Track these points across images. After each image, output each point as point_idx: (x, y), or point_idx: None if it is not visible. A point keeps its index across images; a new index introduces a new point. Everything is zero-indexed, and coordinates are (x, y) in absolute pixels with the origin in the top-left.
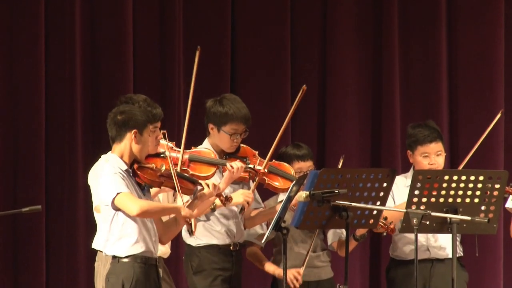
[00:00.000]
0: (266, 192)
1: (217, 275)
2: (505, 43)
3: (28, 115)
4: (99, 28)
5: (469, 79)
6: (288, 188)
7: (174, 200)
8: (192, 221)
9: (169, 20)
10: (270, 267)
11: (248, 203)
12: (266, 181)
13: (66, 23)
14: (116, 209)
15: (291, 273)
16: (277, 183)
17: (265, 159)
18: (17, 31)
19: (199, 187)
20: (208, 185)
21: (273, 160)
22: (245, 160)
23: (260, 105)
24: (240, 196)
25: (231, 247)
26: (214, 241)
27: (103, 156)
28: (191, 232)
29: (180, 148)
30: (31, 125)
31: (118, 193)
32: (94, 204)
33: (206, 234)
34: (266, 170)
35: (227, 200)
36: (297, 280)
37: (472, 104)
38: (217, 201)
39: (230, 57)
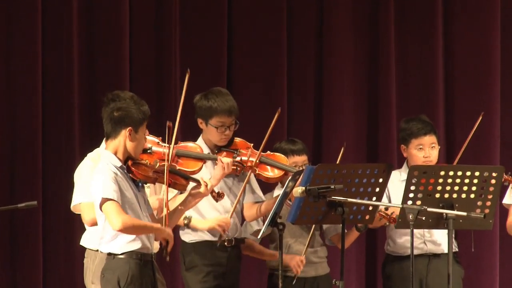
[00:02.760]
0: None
1: (209, 271)
2: (501, 38)
3: (25, 111)
4: (96, 24)
5: (465, 74)
6: (281, 178)
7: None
8: (169, 243)
9: (165, 17)
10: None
11: (224, 230)
12: (257, 171)
13: (63, 19)
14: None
15: (295, 260)
16: (270, 173)
17: (258, 151)
18: (14, 28)
19: (191, 183)
20: (206, 185)
21: (268, 152)
22: (235, 152)
23: (257, 100)
24: (214, 221)
25: (226, 243)
26: (207, 237)
27: (89, 155)
28: (165, 253)
29: (166, 143)
30: (28, 121)
31: (105, 200)
32: (73, 203)
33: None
34: (257, 161)
35: (219, 196)
36: (299, 266)
37: (468, 99)
38: (193, 221)
39: (226, 53)
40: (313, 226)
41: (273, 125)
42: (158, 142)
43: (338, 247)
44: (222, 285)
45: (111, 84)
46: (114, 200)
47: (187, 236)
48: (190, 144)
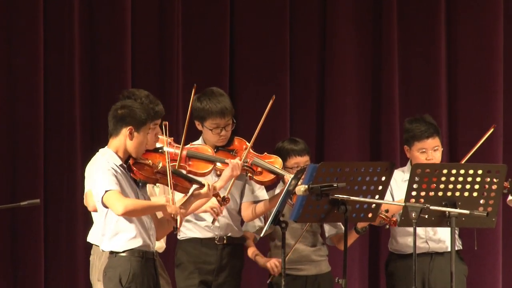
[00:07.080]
0: None
1: (195, 268)
2: (504, 36)
3: (27, 109)
4: (97, 24)
5: (468, 72)
6: (272, 181)
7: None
8: (178, 218)
9: (167, 16)
10: (251, 252)
11: (217, 214)
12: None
13: (65, 19)
14: (105, 206)
15: (273, 262)
16: (261, 176)
17: (256, 152)
18: (16, 27)
19: (194, 186)
20: (209, 185)
21: (265, 153)
22: (232, 152)
23: (259, 100)
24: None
25: (216, 241)
26: (195, 235)
27: (100, 150)
28: (175, 229)
29: (178, 143)
30: (30, 119)
31: (106, 191)
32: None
33: (188, 227)
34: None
35: (224, 200)
36: (277, 267)
37: (471, 97)
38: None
39: (229, 52)
40: (307, 224)
41: (267, 113)
42: (170, 142)
43: (337, 247)
44: (211, 282)
45: (113, 84)
46: (114, 189)
47: (180, 234)
48: (200, 145)
